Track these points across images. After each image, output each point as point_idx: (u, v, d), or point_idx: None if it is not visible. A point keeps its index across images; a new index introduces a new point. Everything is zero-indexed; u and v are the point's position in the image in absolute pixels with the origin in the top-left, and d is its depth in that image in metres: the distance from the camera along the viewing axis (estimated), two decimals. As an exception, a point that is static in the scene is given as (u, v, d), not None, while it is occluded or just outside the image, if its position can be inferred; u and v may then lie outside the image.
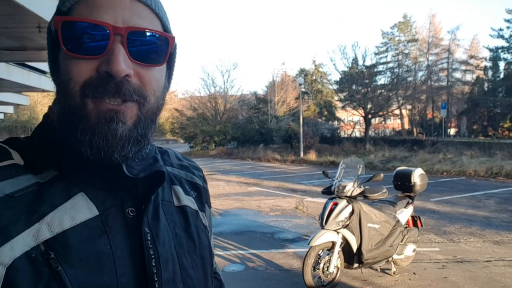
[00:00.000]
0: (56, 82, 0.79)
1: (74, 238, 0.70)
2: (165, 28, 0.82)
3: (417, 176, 6.03)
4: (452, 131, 44.38)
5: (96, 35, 0.72)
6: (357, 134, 41.20)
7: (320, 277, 5.16)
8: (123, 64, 0.72)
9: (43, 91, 18.73)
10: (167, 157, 1.00)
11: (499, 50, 40.71)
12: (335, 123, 43.64)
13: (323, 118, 42.60)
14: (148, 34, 0.76)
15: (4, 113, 33.61)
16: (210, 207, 1.05)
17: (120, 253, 0.74)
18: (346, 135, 39.76)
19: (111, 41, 0.72)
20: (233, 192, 13.68)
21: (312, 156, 25.67)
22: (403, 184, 6.14)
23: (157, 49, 0.78)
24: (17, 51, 10.85)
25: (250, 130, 35.68)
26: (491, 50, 41.30)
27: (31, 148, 0.79)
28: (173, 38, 0.81)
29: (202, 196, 1.00)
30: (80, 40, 0.72)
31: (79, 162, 0.75)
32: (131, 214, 0.78)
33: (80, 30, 0.73)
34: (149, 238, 0.77)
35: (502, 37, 40.70)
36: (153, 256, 0.76)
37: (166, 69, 0.84)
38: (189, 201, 0.94)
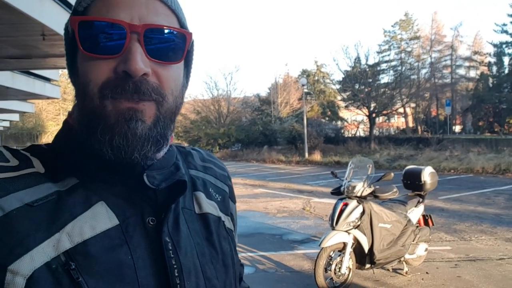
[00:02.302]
0: (75, 84, 0.77)
1: (94, 248, 0.68)
2: (182, 24, 0.80)
3: (427, 174, 5.98)
4: (457, 128, 44.23)
5: (113, 34, 0.71)
6: (361, 133, 41.17)
7: (332, 278, 5.12)
8: (141, 62, 0.70)
9: (48, 98, 18.86)
10: (191, 159, 0.98)
11: (503, 45, 40.50)
12: (339, 123, 43.60)
13: (327, 118, 42.58)
14: (165, 31, 0.75)
15: (10, 121, 33.90)
16: (235, 202, 1.03)
17: (141, 264, 0.71)
18: (350, 135, 39.78)
19: (128, 40, 0.71)
20: (239, 194, 13.64)
21: (317, 156, 25.70)
22: (413, 183, 6.09)
23: (174, 46, 0.76)
24: (22, 59, 10.91)
25: (254, 132, 35.74)
26: (495, 45, 41.11)
27: (52, 155, 0.78)
28: (190, 34, 0.79)
29: (225, 198, 0.98)
30: (97, 40, 0.71)
31: (100, 169, 0.74)
32: (151, 223, 0.76)
33: (96, 29, 0.71)
34: (170, 248, 0.75)
35: (506, 32, 40.51)
36: (175, 266, 0.74)
37: (183, 67, 0.83)
38: (211, 207, 0.91)
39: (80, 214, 0.70)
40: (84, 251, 0.67)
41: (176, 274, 0.74)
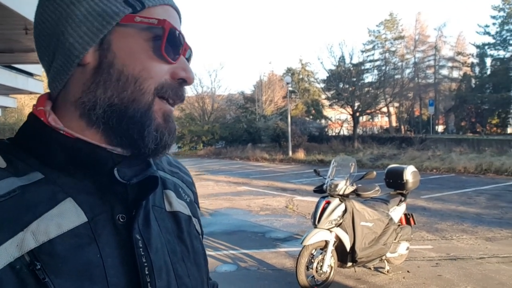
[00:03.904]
0: (108, 71, 0.73)
1: (61, 247, 0.65)
2: None
3: (409, 173, 6.01)
4: (440, 128, 44.74)
5: (179, 43, 0.78)
6: (345, 132, 41.39)
7: (313, 276, 5.12)
8: None
9: (31, 93, 18.57)
10: (159, 161, 0.95)
11: (486, 47, 41.13)
12: (323, 121, 43.85)
13: (311, 117, 42.77)
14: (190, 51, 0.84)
15: (-9, 116, 33.39)
16: (199, 208, 1.01)
17: (111, 262, 0.69)
18: (334, 134, 39.96)
19: (185, 52, 0.80)
20: (222, 192, 13.63)
21: (300, 154, 25.79)
22: (395, 181, 6.12)
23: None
24: (4, 53, 10.70)
25: (238, 130, 35.78)
26: (477, 46, 41.70)
27: (15, 149, 0.73)
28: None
29: (192, 202, 0.96)
30: (172, 45, 0.76)
31: (68, 163, 0.71)
32: (121, 220, 0.73)
33: (174, 36, 0.77)
34: (140, 245, 0.72)
35: (488, 33, 41.15)
36: (145, 264, 0.71)
37: None
38: (181, 206, 0.89)
39: (46, 211, 0.66)
40: (50, 250, 0.64)
41: (147, 272, 0.71)
